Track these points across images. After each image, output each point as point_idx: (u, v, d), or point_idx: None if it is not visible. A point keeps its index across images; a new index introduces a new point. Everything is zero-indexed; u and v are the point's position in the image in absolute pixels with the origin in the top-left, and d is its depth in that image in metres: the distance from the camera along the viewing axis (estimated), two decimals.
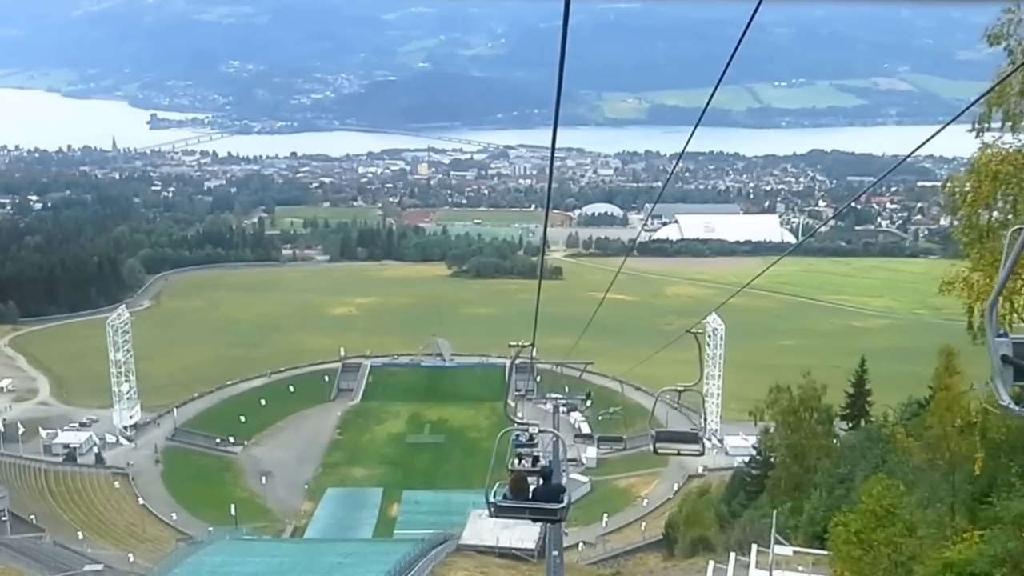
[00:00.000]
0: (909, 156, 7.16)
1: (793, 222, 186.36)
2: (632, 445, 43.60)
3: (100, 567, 44.53)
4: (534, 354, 17.48)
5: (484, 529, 41.64)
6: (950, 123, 5.41)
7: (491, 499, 8.69)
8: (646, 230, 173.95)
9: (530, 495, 8.74)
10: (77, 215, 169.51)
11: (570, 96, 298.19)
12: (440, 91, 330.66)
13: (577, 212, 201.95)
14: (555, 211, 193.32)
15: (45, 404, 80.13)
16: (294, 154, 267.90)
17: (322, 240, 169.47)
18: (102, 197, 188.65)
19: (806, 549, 22.62)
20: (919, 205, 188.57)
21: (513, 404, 62.89)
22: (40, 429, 70.66)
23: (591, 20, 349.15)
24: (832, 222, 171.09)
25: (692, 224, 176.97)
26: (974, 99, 6.45)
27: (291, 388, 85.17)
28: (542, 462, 9.47)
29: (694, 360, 12.34)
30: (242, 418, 77.55)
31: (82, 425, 73.36)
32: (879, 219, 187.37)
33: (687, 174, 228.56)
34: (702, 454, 12.67)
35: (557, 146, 5.40)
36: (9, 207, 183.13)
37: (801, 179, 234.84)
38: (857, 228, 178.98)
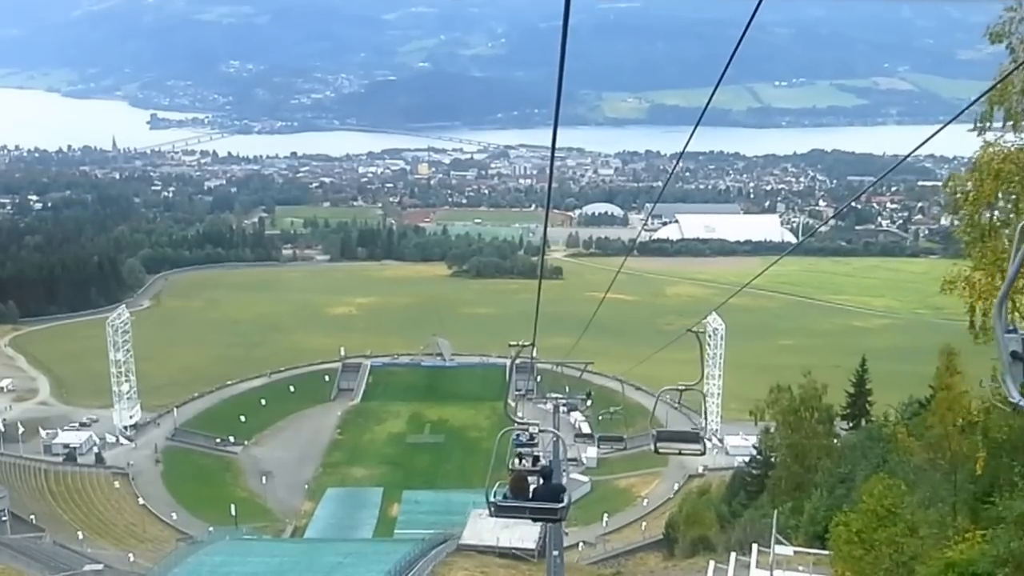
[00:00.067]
0: (909, 156, 7.15)
1: (793, 222, 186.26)
2: (632, 445, 43.72)
3: (100, 567, 44.43)
4: (534, 354, 17.48)
5: (484, 529, 41.60)
6: (950, 122, 5.40)
7: (491, 499, 8.66)
8: (646, 230, 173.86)
9: (530, 495, 8.71)
10: (77, 215, 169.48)
11: (570, 96, 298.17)
12: (440, 91, 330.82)
13: (577, 212, 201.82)
14: (555, 211, 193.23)
15: (45, 404, 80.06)
16: (294, 154, 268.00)
17: (322, 240, 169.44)
18: (102, 197, 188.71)
19: (807, 549, 22.59)
20: (920, 205, 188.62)
21: (513, 404, 62.70)
22: (40, 429, 70.62)
23: (591, 20, 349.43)
24: (832, 222, 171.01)
25: (692, 224, 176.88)
26: (975, 98, 6.44)
27: (291, 388, 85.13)
28: (542, 462, 9.42)
29: (694, 360, 12.36)
30: (242, 418, 77.52)
31: (82, 425, 73.33)
32: (879, 219, 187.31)
33: (687, 174, 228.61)
34: (703, 454, 12.64)
35: (557, 146, 5.40)
36: (9, 207, 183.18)
37: (801, 179, 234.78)
38: (857, 228, 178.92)
